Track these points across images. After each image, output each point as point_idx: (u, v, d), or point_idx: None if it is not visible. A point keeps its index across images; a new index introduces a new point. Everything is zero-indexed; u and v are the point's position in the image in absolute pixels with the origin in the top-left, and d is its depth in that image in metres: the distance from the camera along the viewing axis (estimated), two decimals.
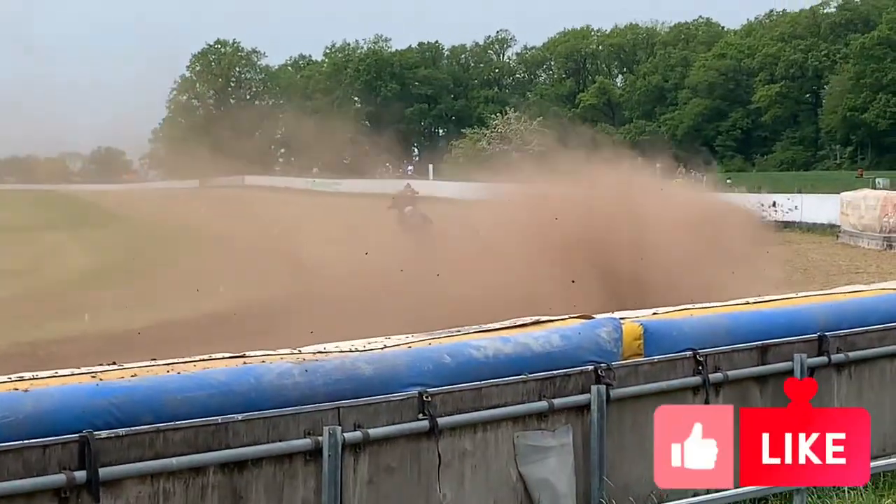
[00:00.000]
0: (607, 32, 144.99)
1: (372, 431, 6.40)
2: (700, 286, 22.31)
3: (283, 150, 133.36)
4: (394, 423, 6.57)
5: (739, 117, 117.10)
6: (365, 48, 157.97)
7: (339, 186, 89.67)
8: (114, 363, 6.56)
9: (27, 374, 5.85)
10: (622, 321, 8.25)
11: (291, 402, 6.19)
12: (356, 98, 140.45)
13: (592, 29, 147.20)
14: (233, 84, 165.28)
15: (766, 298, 10.17)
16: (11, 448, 5.01)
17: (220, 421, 5.79)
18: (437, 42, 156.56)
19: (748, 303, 9.85)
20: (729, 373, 8.52)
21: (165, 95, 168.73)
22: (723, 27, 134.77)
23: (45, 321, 22.41)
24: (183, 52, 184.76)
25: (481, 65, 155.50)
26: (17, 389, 5.33)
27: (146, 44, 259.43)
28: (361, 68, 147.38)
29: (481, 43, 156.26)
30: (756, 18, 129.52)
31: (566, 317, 8.37)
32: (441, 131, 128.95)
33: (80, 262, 37.61)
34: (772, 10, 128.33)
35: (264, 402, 6.06)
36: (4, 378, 5.68)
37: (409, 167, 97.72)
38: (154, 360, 6.78)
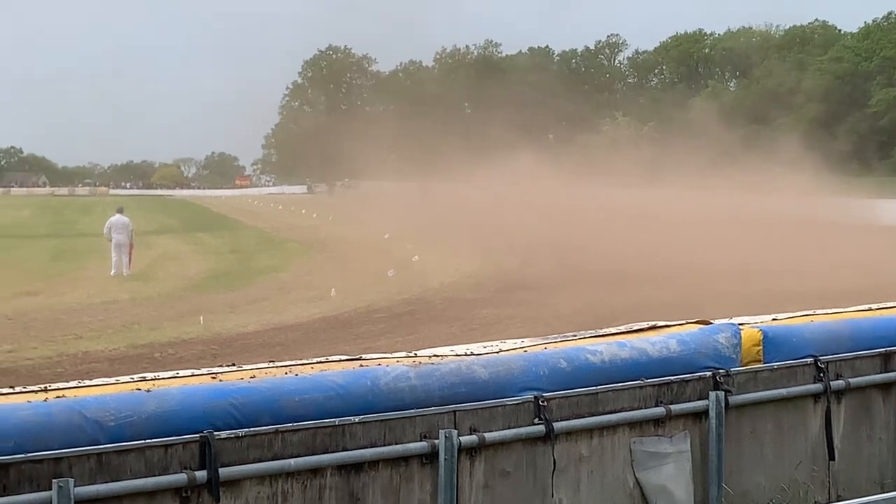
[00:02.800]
0: (721, 36, 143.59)
1: (488, 435, 6.37)
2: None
3: (393, 156, 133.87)
4: (509, 428, 6.52)
5: (856, 121, 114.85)
6: (475, 53, 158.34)
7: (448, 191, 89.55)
8: (233, 364, 6.63)
9: (149, 375, 5.94)
10: (741, 327, 8.12)
11: (407, 406, 6.18)
12: (466, 103, 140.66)
13: (705, 33, 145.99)
14: (344, 90, 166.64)
15: (889, 305, 9.93)
16: (134, 447, 5.08)
17: (337, 423, 5.80)
18: (547, 47, 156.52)
19: (870, 309, 9.63)
20: (851, 380, 8.32)
21: (278, 101, 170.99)
22: (839, 30, 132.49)
23: (162, 324, 22.79)
24: (296, 58, 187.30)
25: (592, 69, 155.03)
26: (139, 390, 5.40)
27: (258, 51, 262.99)
28: (472, 73, 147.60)
29: (592, 48, 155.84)
30: (874, 21, 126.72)
31: (683, 322, 8.27)
32: (551, 136, 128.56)
33: (195, 266, 38.17)
34: (890, 13, 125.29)
35: (380, 405, 6.06)
36: (127, 378, 5.77)
37: None
38: (272, 361, 6.84)
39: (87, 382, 5.66)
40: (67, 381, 6.07)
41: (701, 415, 7.49)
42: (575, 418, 6.85)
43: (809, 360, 8.12)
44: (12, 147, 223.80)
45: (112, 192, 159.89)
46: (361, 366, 6.38)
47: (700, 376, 7.52)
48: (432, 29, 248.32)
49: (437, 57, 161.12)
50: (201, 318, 22.96)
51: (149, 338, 20.67)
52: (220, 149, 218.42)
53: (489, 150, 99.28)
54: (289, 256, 41.47)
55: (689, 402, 7.46)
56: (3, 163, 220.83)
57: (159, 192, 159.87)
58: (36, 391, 5.29)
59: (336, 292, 27.62)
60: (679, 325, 8.14)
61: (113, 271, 34.05)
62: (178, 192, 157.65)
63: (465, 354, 6.92)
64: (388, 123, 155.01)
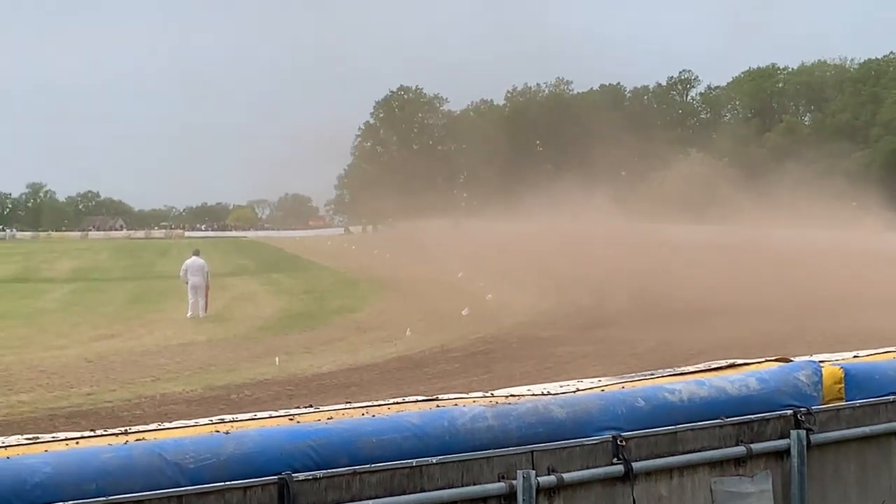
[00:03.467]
0: (794, 70, 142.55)
1: (566, 476, 6.30)
2: None
3: (465, 194, 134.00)
4: (588, 468, 6.45)
5: None
6: (546, 91, 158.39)
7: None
8: (310, 406, 6.63)
9: (227, 417, 5.96)
10: (821, 364, 8.00)
11: (484, 446, 6.14)
12: (538, 141, 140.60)
13: (779, 67, 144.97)
14: (416, 129, 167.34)
15: None
16: (214, 489, 5.09)
17: (414, 464, 5.77)
18: (618, 84, 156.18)
19: None
20: None
21: (350, 142, 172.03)
22: None
23: (238, 365, 22.95)
24: (367, 99, 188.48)
25: (664, 105, 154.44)
26: (218, 432, 5.41)
27: (331, 92, 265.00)
28: (543, 111, 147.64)
29: (664, 84, 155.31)
30: None
31: (762, 360, 8.16)
32: (623, 173, 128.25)
33: (270, 307, 38.43)
34: None
35: (458, 445, 6.03)
36: (206, 420, 5.79)
37: None
38: (348, 402, 6.84)
39: (167, 425, 5.69)
40: (147, 424, 6.11)
41: (782, 454, 7.37)
42: (654, 458, 6.78)
43: (892, 397, 7.98)
44: (90, 191, 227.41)
45: (187, 234, 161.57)
46: (438, 406, 6.35)
47: (781, 415, 7.42)
48: (503, 67, 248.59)
49: (509, 95, 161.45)
50: (277, 359, 23.09)
51: (225, 379, 20.81)
52: (294, 190, 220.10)
53: (560, 187, 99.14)
54: (363, 296, 41.62)
55: (770, 440, 7.35)
56: (80, 207, 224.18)
57: (234, 233, 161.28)
58: (116, 434, 5.32)
59: (411, 332, 27.67)
60: (758, 363, 8.04)
61: (189, 313, 34.37)
62: (251, 234, 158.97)
63: (542, 394, 6.87)
64: (459, 162, 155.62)
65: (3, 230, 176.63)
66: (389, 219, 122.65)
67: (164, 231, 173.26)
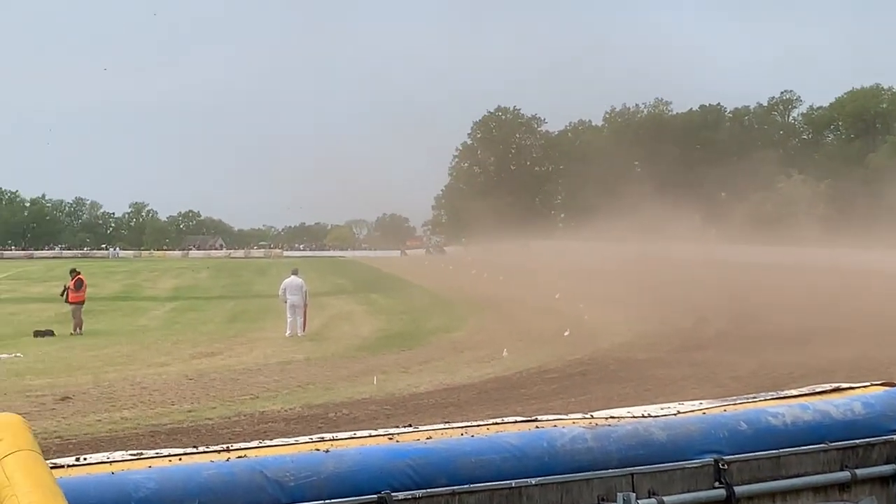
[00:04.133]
0: None
1: (667, 499, 6.23)
2: None
3: (563, 215, 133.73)
4: (689, 491, 6.37)
5: None
6: (645, 112, 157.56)
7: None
8: (409, 425, 6.64)
9: (327, 436, 5.97)
10: None
11: (584, 467, 6.10)
12: (636, 162, 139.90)
13: (883, 87, 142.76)
14: (513, 150, 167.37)
15: None
16: None
17: (514, 485, 5.75)
18: (718, 104, 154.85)
19: None
20: None
21: (448, 163, 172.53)
22: None
23: (336, 384, 23.06)
24: (465, 120, 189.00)
25: (765, 126, 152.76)
26: (318, 450, 5.44)
27: (429, 113, 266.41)
28: (642, 132, 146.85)
29: (765, 104, 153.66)
30: None
31: (867, 384, 8.01)
32: (723, 194, 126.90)
33: (368, 327, 38.60)
34: None
35: (557, 467, 5.99)
36: (306, 439, 5.82)
37: None
38: (447, 422, 6.83)
39: (267, 442, 5.72)
40: (246, 441, 6.16)
41: (888, 479, 7.23)
42: (756, 482, 6.68)
43: None
44: (191, 211, 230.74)
45: (286, 253, 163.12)
46: (537, 427, 6.32)
47: (887, 440, 7.27)
48: (601, 87, 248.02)
49: (607, 116, 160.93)
50: (374, 378, 23.18)
51: (323, 398, 20.92)
52: (392, 210, 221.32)
53: (658, 208, 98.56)
54: (460, 316, 41.65)
55: (876, 466, 7.21)
56: (182, 226, 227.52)
57: (332, 253, 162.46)
58: (218, 450, 5.36)
59: (507, 352, 27.62)
60: (863, 387, 7.89)
61: (288, 332, 34.65)
62: (349, 253, 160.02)
63: (643, 416, 6.81)
64: (556, 182, 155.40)
65: (107, 249, 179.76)
66: (486, 239, 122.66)
67: (263, 250, 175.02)
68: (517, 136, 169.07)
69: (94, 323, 40.73)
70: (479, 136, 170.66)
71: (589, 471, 6.07)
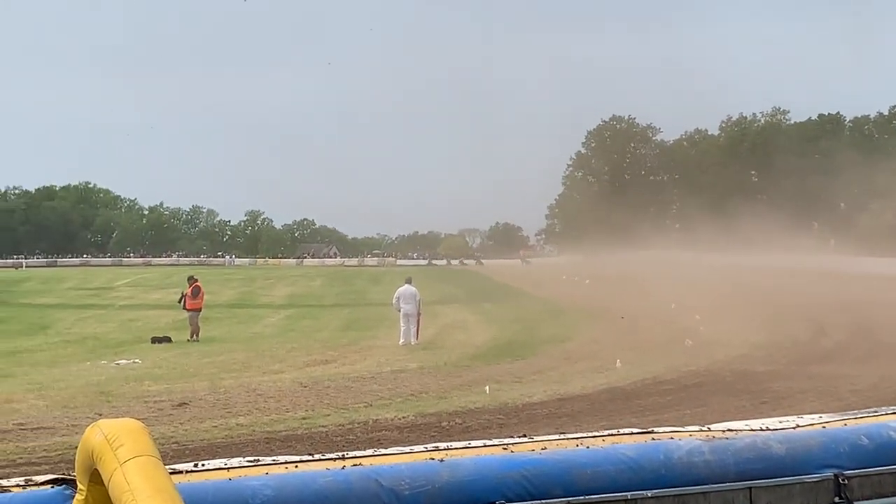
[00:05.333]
0: None
1: None
2: None
3: (677, 225, 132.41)
4: None
5: None
6: (762, 121, 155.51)
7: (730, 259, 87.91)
8: (524, 435, 6.61)
9: (442, 445, 5.97)
10: None
11: (701, 480, 6.02)
12: (753, 172, 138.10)
13: None
14: (627, 159, 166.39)
15: None
16: None
17: (629, 497, 5.69)
18: (838, 113, 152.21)
19: None
20: None
21: (561, 172, 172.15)
22: None
23: (449, 392, 23.07)
24: (579, 129, 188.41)
25: (886, 136, 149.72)
26: (433, 459, 5.44)
27: (543, 122, 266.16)
28: (759, 142, 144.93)
29: (886, 113, 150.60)
30: None
31: None
32: (842, 204, 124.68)
33: (481, 336, 38.60)
34: None
35: (673, 479, 5.92)
36: (421, 448, 5.82)
37: None
38: (562, 432, 6.79)
39: (382, 451, 5.74)
40: (359, 449, 6.18)
41: None
42: (878, 498, 6.53)
43: None
44: (305, 219, 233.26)
45: (399, 262, 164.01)
46: (653, 439, 6.25)
47: None
48: (717, 97, 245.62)
49: (723, 125, 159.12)
50: (487, 387, 23.15)
51: (436, 406, 20.94)
52: (505, 219, 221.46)
53: (775, 218, 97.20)
54: (573, 326, 41.45)
55: None
56: (296, 234, 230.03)
57: (445, 262, 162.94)
58: (334, 458, 5.39)
59: (621, 363, 27.41)
60: None
61: (401, 340, 34.78)
62: (460, 262, 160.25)
63: (761, 429, 6.70)
64: (672, 192, 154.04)
65: (223, 256, 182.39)
66: (600, 249, 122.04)
67: (376, 259, 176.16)
68: (631, 145, 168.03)
69: (210, 330, 41.32)
70: (593, 145, 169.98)
71: (706, 484, 5.99)
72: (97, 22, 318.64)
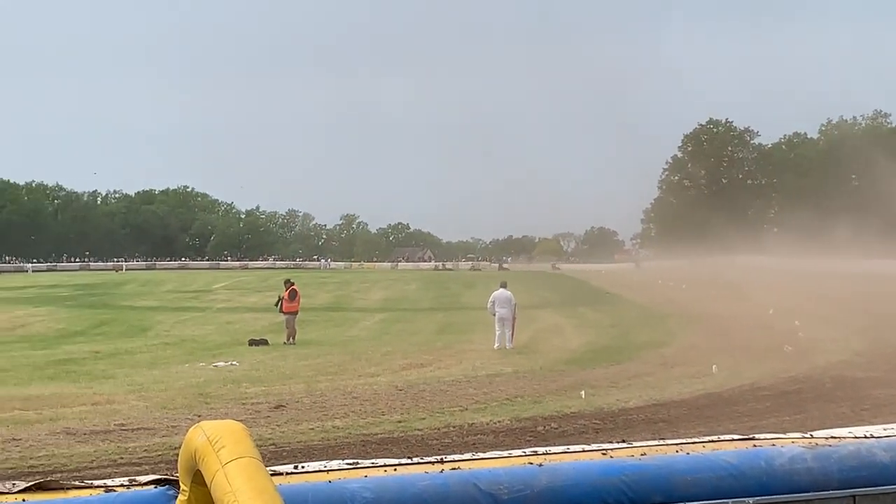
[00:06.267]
0: None
1: None
2: None
3: (775, 230, 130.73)
4: None
5: None
6: (863, 124, 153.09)
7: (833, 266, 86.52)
8: (622, 441, 6.56)
9: (540, 449, 5.95)
10: None
11: (803, 488, 5.93)
12: (853, 175, 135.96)
13: None
14: (725, 163, 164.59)
15: None
16: None
17: (730, 503, 5.63)
18: None
19: None
20: None
21: (657, 176, 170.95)
22: None
23: (544, 397, 23.00)
24: (675, 133, 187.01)
25: None
26: (531, 463, 5.42)
27: (637, 125, 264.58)
28: (858, 145, 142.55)
29: None
30: None
31: None
32: None
33: (576, 340, 38.45)
34: None
35: (775, 487, 5.84)
36: (519, 452, 5.80)
37: None
38: (661, 438, 6.73)
39: (481, 455, 5.73)
40: (454, 452, 6.18)
41: None
42: None
43: None
44: (400, 223, 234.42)
45: (493, 266, 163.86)
46: (755, 445, 6.18)
47: None
48: (817, 99, 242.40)
49: (823, 128, 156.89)
50: (583, 392, 23.05)
51: (532, 411, 20.88)
52: (600, 223, 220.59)
53: (876, 223, 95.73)
54: (670, 331, 41.12)
55: None
56: (391, 238, 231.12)
57: (539, 266, 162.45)
58: (432, 462, 5.40)
59: (718, 368, 27.14)
60: None
61: (496, 344, 34.74)
62: (577, 267, 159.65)
63: (865, 436, 6.59)
64: (770, 196, 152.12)
65: (319, 260, 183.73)
66: (696, 253, 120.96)
67: (471, 263, 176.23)
68: (729, 148, 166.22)
69: (306, 333, 41.62)
70: (689, 148, 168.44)
71: (808, 492, 5.90)
72: (195, 29, 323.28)
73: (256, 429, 18.00)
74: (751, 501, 5.66)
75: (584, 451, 5.96)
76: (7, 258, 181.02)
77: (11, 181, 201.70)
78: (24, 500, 4.25)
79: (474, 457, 5.61)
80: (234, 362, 31.32)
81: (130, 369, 29.89)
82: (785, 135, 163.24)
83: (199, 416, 19.39)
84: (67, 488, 4.45)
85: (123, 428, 18.71)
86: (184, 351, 36.32)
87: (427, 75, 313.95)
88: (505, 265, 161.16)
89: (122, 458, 15.96)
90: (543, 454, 5.77)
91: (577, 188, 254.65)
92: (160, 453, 16.08)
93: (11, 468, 14.85)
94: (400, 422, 19.52)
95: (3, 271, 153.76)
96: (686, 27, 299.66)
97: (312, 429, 18.69)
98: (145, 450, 16.56)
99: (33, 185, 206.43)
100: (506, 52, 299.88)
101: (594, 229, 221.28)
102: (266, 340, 38.77)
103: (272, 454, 15.40)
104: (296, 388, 24.42)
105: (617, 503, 5.36)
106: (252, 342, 38.49)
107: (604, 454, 5.82)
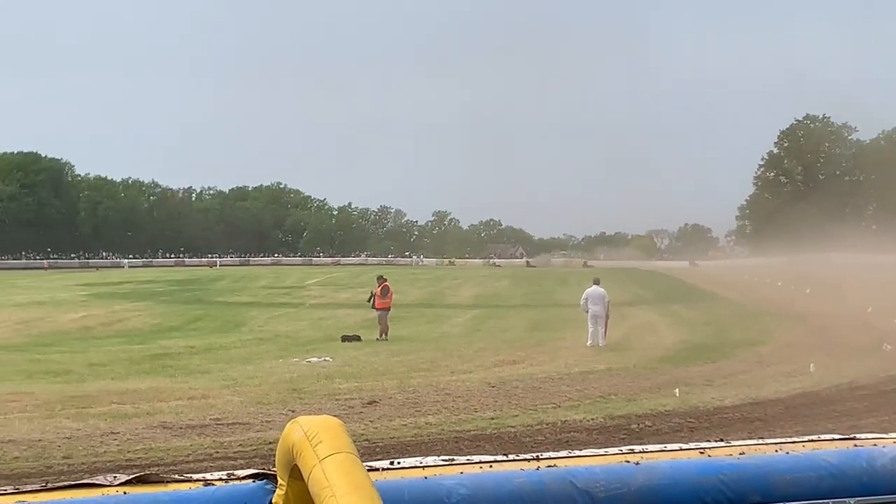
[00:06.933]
0: None
1: None
2: None
3: (874, 227, 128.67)
4: None
5: None
6: None
7: None
8: (720, 439, 6.48)
9: (637, 447, 5.90)
10: None
11: None
12: None
13: None
14: (822, 159, 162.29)
15: None
16: None
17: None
18: None
19: None
20: None
21: (752, 172, 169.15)
22: None
23: (638, 395, 22.85)
24: (771, 129, 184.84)
25: None
26: (628, 462, 5.37)
27: (732, 122, 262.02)
28: None
29: None
30: None
31: None
32: None
33: (670, 338, 38.16)
34: None
35: (877, 487, 5.72)
36: (615, 450, 5.75)
37: None
38: (760, 437, 6.65)
39: (576, 452, 5.68)
40: (551, 450, 6.14)
41: None
42: None
43: None
44: (491, 219, 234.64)
45: (590, 262, 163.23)
46: (856, 445, 6.07)
47: None
48: None
49: None
50: (677, 390, 22.85)
51: (625, 409, 20.76)
52: (694, 220, 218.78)
53: None
54: (766, 329, 40.67)
55: None
56: (483, 234, 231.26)
57: (632, 263, 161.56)
58: (528, 459, 5.36)
59: (815, 367, 26.78)
60: None
61: (589, 342, 34.61)
62: (649, 264, 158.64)
63: None
64: (868, 193, 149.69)
65: (410, 256, 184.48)
66: (793, 250, 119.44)
67: (563, 259, 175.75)
68: (826, 144, 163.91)
69: (398, 329, 41.75)
70: (785, 144, 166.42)
71: None
72: (295, 29, 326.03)
73: (349, 425, 17.87)
74: (852, 502, 5.56)
75: (681, 449, 5.90)
76: (104, 254, 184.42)
77: (108, 178, 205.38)
78: (125, 493, 4.29)
79: (570, 454, 5.57)
80: (326, 358, 31.49)
81: (225, 364, 30.21)
82: (883, 130, 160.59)
83: (293, 411, 19.53)
84: (167, 481, 4.49)
85: (218, 422, 18.90)
86: (277, 346, 36.64)
87: (521, 74, 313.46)
88: (590, 262, 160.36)
89: (217, 452, 16.12)
90: (640, 452, 5.71)
91: (670, 184, 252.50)
92: (254, 448, 16.23)
93: (110, 461, 15.08)
94: (493, 419, 19.50)
95: (101, 267, 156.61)
96: (791, 15, 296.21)
97: (405, 425, 18.74)
98: (240, 444, 16.71)
99: (129, 181, 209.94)
100: (596, 51, 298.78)
101: (688, 226, 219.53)
102: (358, 336, 38.97)
103: (365, 450, 15.45)
104: (388, 385, 24.50)
105: (715, 502, 5.29)
106: (345, 338, 38.70)
107: (701, 453, 5.75)
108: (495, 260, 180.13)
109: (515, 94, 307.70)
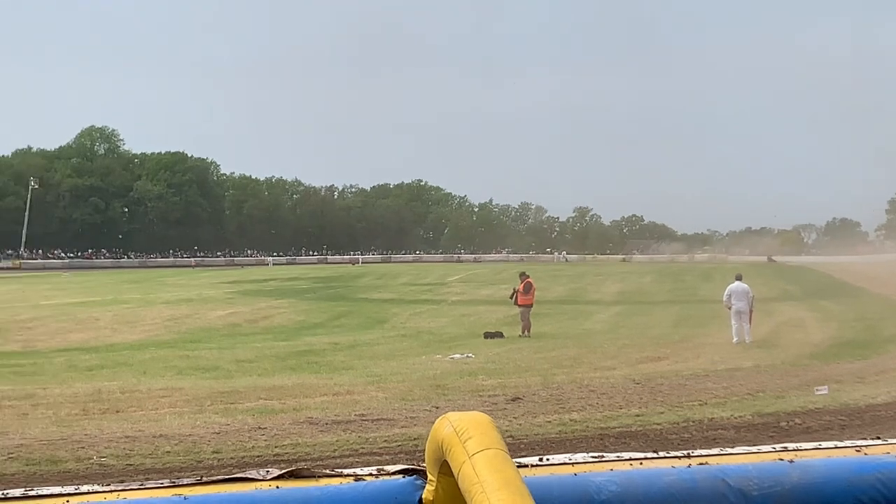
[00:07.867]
0: None
1: None
2: None
3: None
4: None
5: None
6: None
7: None
8: (878, 437, 6.33)
9: (790, 445, 5.78)
10: None
11: None
12: None
13: None
14: None
15: None
16: None
17: None
18: None
19: None
20: None
21: None
22: None
23: (787, 392, 22.45)
24: None
25: None
26: (781, 459, 5.26)
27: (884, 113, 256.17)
28: None
29: None
30: None
31: None
32: None
33: (819, 334, 37.46)
34: None
35: None
36: (768, 448, 5.64)
37: None
38: None
39: (728, 450, 5.60)
40: (698, 448, 6.07)
41: None
42: None
43: None
44: (634, 215, 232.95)
45: (731, 258, 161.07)
46: None
47: None
48: None
49: None
50: (827, 387, 22.39)
51: (774, 406, 20.39)
52: (843, 214, 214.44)
53: None
54: None
55: None
56: (625, 230, 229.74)
57: (777, 258, 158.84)
58: (679, 456, 5.29)
59: None
60: None
61: (735, 338, 34.14)
62: (795, 259, 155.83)
63: None
64: None
65: (552, 253, 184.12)
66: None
67: (707, 255, 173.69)
68: None
69: (541, 325, 41.68)
70: None
71: None
72: (416, 29, 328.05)
73: (494, 421, 18.06)
74: None
75: (836, 447, 5.77)
76: (249, 252, 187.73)
77: (253, 177, 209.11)
78: (277, 487, 4.34)
79: (722, 452, 5.49)
80: (469, 354, 31.57)
81: (369, 361, 30.48)
82: None
83: (437, 407, 19.62)
84: (319, 476, 4.53)
85: (364, 418, 19.05)
86: (420, 343, 36.85)
87: (656, 69, 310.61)
88: (731, 257, 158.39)
89: (363, 447, 16.25)
90: (794, 450, 5.60)
91: (816, 177, 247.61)
92: (399, 444, 16.30)
93: (258, 455, 15.30)
94: (638, 416, 19.32)
95: (246, 264, 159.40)
96: None
97: (549, 421, 18.66)
98: (385, 440, 16.81)
99: (273, 180, 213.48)
100: (732, 44, 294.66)
101: (835, 220, 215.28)
102: (501, 333, 39.01)
103: (511, 446, 15.21)
104: (532, 381, 24.45)
105: (872, 502, 5.15)
106: (487, 335, 38.77)
107: (858, 451, 5.62)
108: (633, 255, 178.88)
109: (650, 90, 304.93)
